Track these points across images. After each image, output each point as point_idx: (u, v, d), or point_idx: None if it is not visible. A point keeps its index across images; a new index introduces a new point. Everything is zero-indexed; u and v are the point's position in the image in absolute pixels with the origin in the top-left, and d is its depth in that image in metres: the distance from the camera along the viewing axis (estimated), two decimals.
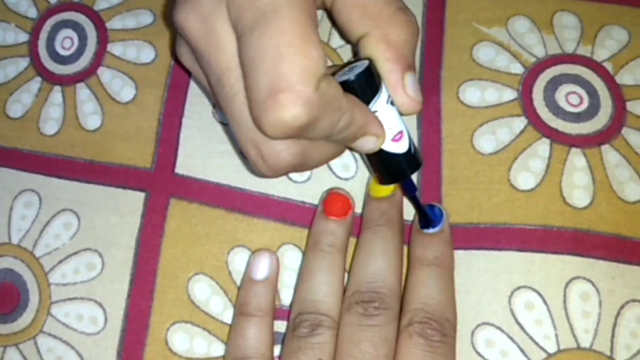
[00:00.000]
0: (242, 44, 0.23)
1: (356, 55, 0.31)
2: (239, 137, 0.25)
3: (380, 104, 0.26)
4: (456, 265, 0.29)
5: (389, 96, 0.27)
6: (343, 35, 0.29)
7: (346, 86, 0.25)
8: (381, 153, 0.27)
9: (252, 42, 0.22)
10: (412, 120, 0.31)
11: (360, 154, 0.30)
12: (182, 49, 0.26)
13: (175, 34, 0.26)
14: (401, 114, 0.27)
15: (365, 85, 0.26)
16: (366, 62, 0.26)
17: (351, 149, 0.28)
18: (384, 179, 0.29)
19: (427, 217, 0.29)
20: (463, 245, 0.29)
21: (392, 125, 0.27)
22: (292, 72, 0.22)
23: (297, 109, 0.22)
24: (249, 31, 0.22)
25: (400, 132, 0.27)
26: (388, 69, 0.26)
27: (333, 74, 0.27)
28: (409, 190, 0.29)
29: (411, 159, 0.28)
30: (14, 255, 0.32)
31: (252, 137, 0.24)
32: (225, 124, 0.32)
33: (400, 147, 0.27)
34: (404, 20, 0.26)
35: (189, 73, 0.33)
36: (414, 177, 0.30)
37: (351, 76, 0.26)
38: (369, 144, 0.26)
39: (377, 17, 0.26)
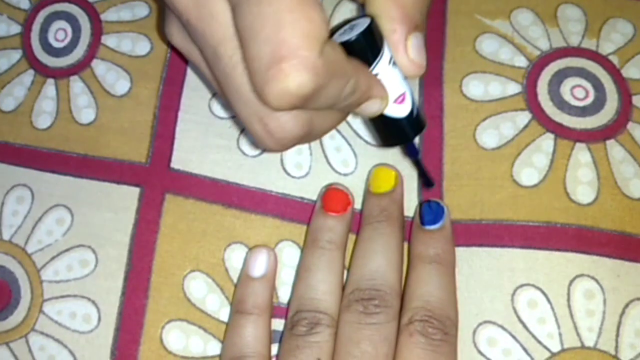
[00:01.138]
0: (238, 12, 0.21)
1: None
2: (241, 113, 0.24)
3: (382, 66, 0.25)
4: (457, 262, 0.29)
5: (392, 56, 0.26)
6: None
7: (346, 47, 0.24)
8: (383, 115, 0.26)
9: (249, 9, 0.21)
10: None
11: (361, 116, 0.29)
12: (172, 28, 0.25)
13: (164, 13, 0.25)
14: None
15: (366, 46, 0.25)
16: (367, 20, 0.25)
17: (354, 113, 0.27)
18: (386, 142, 0.28)
19: (429, 179, 0.29)
20: (465, 242, 0.29)
21: (395, 87, 0.26)
22: (295, 38, 0.20)
23: (302, 77, 0.21)
24: None
25: (403, 94, 0.26)
26: (390, 29, 0.25)
27: (332, 33, 0.25)
28: (412, 153, 0.28)
29: (414, 121, 0.27)
30: (5, 252, 0.32)
31: (256, 111, 0.23)
32: (232, 117, 0.31)
33: (403, 110, 0.26)
34: None
35: (185, 61, 0.33)
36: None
37: (352, 36, 0.24)
38: (372, 107, 0.26)
39: None
